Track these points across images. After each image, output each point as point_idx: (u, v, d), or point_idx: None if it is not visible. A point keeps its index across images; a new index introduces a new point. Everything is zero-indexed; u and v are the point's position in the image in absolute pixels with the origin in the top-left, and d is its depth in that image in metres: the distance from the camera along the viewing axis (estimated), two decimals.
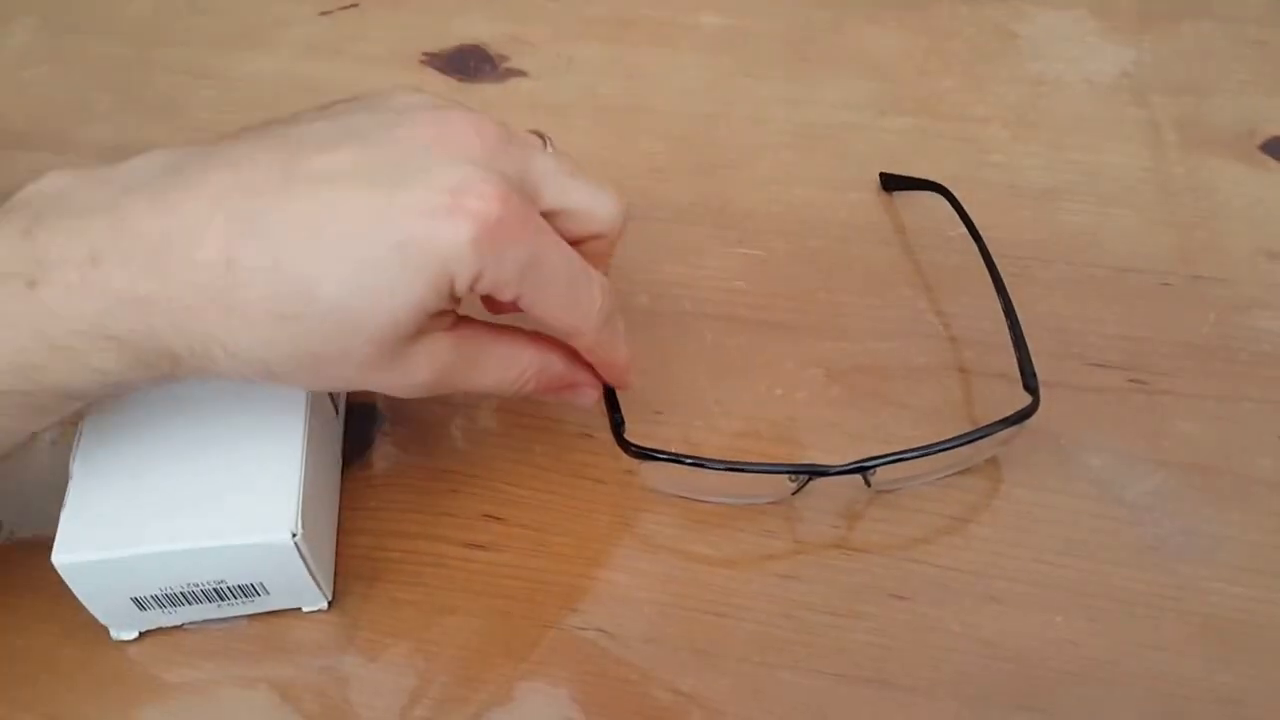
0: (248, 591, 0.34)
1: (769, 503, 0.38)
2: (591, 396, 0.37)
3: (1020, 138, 0.50)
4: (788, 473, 0.36)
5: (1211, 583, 0.36)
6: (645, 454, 0.37)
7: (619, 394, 0.38)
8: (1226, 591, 0.36)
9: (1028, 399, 0.37)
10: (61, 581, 0.33)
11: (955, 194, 0.45)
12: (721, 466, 0.36)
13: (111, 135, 0.51)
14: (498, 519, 0.39)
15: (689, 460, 0.36)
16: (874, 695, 0.35)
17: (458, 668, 0.35)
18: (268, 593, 0.35)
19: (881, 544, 0.38)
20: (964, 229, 0.44)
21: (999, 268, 0.42)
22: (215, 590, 0.34)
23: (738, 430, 0.41)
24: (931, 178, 0.46)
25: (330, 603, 0.36)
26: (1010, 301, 0.40)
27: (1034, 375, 0.38)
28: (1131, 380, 0.41)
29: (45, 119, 0.53)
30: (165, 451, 0.34)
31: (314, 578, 0.34)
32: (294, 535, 0.33)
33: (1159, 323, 0.43)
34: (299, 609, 0.36)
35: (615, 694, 0.35)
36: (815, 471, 0.36)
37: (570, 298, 0.32)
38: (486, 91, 0.53)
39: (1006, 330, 0.40)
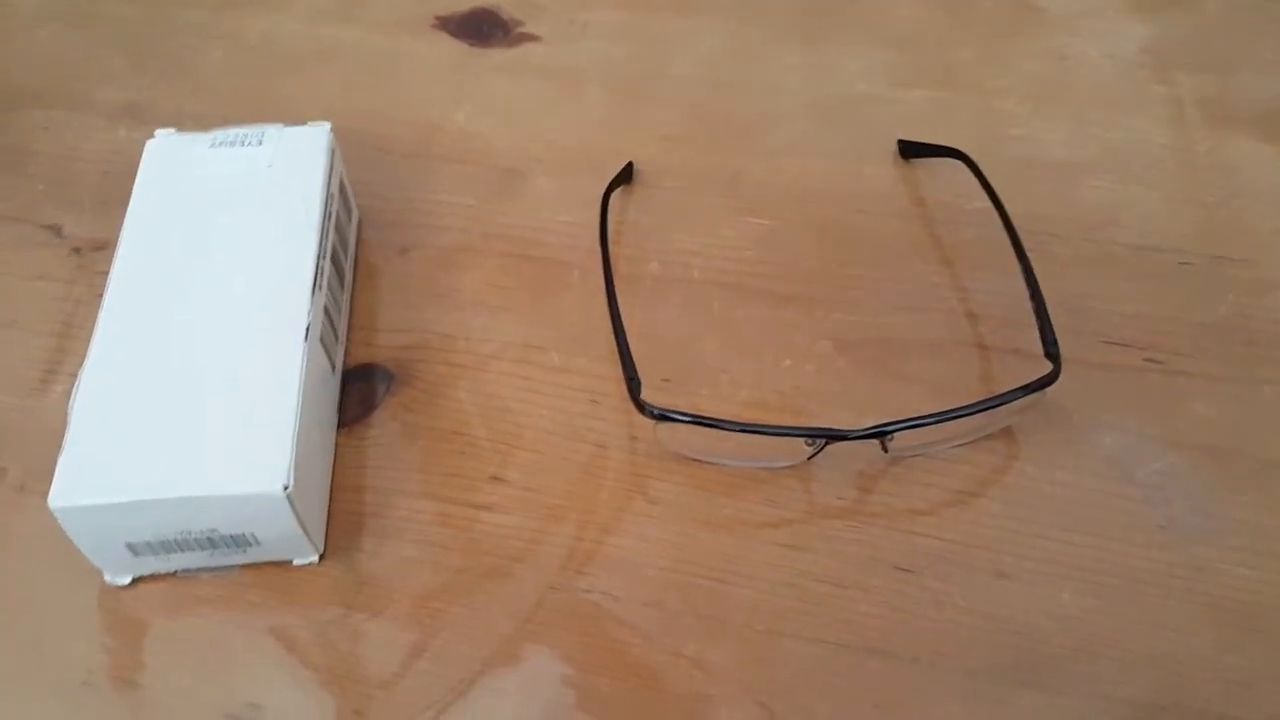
0: (239, 542, 0.35)
1: (782, 468, 0.38)
2: None
3: (1040, 112, 0.49)
4: (805, 436, 0.36)
5: (1222, 564, 0.36)
6: (662, 415, 0.36)
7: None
8: (1237, 574, 0.36)
9: (1040, 374, 0.37)
10: (62, 527, 0.33)
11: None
12: (738, 428, 0.36)
13: (124, 95, 0.51)
14: (503, 481, 0.38)
15: (706, 421, 0.36)
16: (877, 665, 0.34)
17: (461, 625, 0.35)
18: (259, 544, 0.35)
19: (889, 516, 0.37)
20: (981, 203, 0.44)
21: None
22: (208, 539, 0.34)
23: (745, 399, 0.40)
24: None
25: (321, 556, 0.36)
26: (1031, 268, 0.40)
27: (1055, 343, 0.38)
28: (1148, 359, 0.41)
29: (59, 78, 0.52)
30: (162, 402, 0.34)
31: (305, 530, 0.34)
32: (285, 488, 0.33)
33: (1177, 302, 0.43)
34: (291, 561, 0.36)
35: (617, 656, 0.35)
36: (833, 435, 0.36)
37: None
38: (498, 56, 0.53)
39: (1020, 307, 0.40)
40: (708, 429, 0.36)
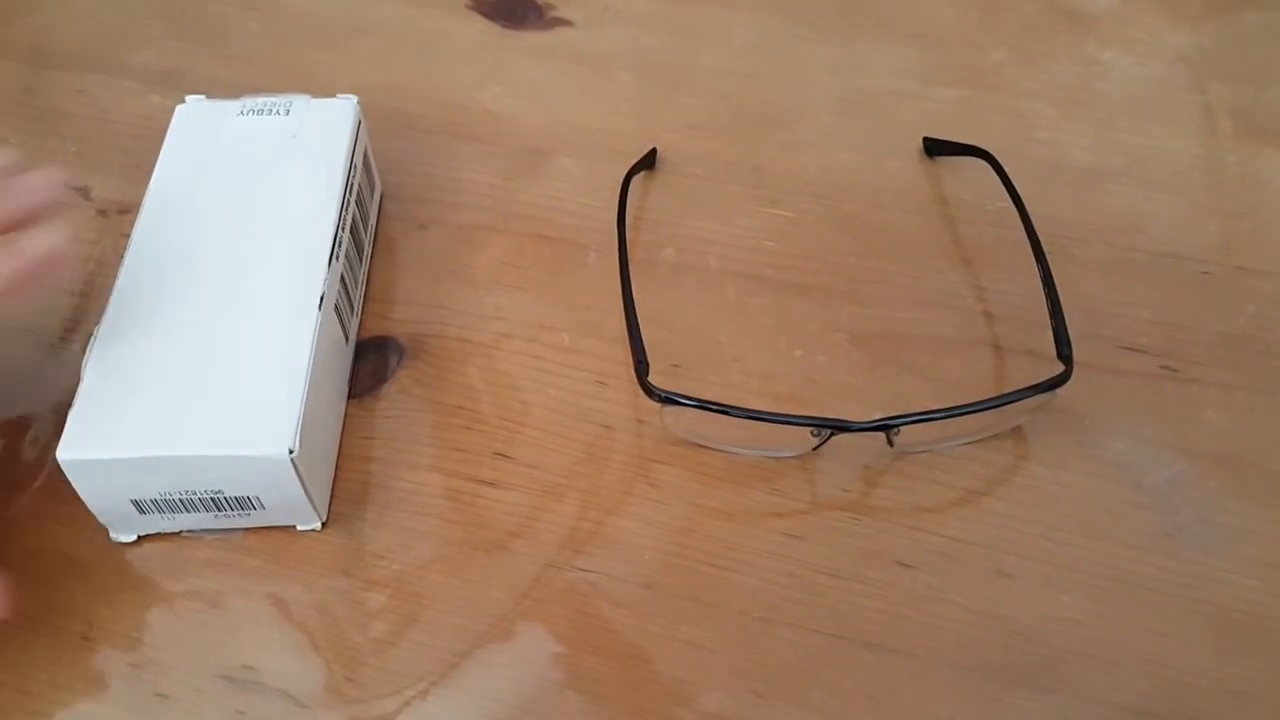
0: (244, 504, 0.35)
1: (787, 457, 0.38)
2: None
3: (1069, 116, 0.49)
4: (811, 426, 0.36)
5: (1226, 574, 0.36)
6: (668, 398, 0.36)
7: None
8: (1241, 584, 0.36)
9: (1054, 375, 0.37)
10: (73, 486, 0.34)
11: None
12: (744, 414, 0.36)
13: (160, 61, 0.52)
14: (508, 458, 0.38)
15: (712, 406, 0.36)
16: (870, 658, 0.34)
17: (458, 598, 0.35)
18: (263, 507, 0.35)
19: (892, 511, 0.37)
20: (1003, 203, 0.44)
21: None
22: (213, 500, 0.35)
23: (755, 388, 0.40)
24: None
25: (324, 523, 0.37)
26: (1049, 269, 0.40)
27: (1069, 344, 0.38)
28: (1163, 366, 0.41)
29: (96, 42, 0.53)
30: (175, 362, 0.35)
31: (309, 496, 0.35)
32: (291, 452, 0.33)
33: (1196, 311, 0.42)
34: (294, 527, 0.37)
35: (611, 636, 0.35)
36: (839, 426, 0.36)
37: None
38: (531, 39, 0.53)
39: (1037, 309, 0.39)
40: (714, 415, 0.36)
